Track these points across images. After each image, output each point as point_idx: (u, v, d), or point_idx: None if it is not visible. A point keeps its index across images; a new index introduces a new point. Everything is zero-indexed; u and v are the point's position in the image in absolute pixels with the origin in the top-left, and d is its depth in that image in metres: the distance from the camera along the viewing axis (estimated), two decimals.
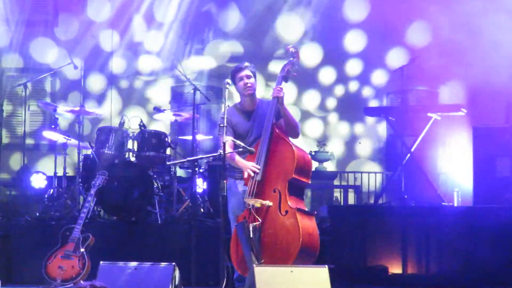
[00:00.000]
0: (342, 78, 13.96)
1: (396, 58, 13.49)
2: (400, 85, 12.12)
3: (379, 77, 13.80)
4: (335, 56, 13.82)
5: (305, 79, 13.07)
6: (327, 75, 14.19)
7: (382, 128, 13.61)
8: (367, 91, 13.93)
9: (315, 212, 7.33)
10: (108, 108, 13.32)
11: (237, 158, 7.48)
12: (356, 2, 13.81)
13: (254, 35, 14.03)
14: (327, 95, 14.24)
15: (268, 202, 7.16)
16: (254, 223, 7.09)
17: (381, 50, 13.54)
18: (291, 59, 7.68)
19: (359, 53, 13.91)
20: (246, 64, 7.73)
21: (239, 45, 14.12)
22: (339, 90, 14.03)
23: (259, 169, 7.28)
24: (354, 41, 13.81)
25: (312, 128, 14.25)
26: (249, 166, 7.32)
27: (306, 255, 6.98)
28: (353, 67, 14.00)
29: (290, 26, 14.02)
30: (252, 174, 7.27)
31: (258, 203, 7.15)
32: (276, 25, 14.07)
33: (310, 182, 7.49)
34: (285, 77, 7.63)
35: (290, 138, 7.45)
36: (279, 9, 14.02)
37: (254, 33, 13.99)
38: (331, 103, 14.26)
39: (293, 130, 7.56)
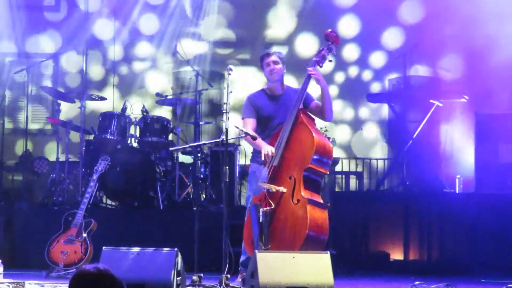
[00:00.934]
0: (341, 64, 13.91)
1: (392, 37, 13.44)
2: (402, 70, 12.13)
3: (377, 59, 13.74)
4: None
5: (304, 69, 13.00)
6: (325, 63, 14.06)
7: (385, 112, 13.56)
8: (367, 75, 13.88)
9: (329, 204, 7.24)
10: (110, 95, 13.28)
11: (256, 139, 7.43)
12: None
13: (246, 28, 13.95)
14: (328, 83, 14.13)
15: (282, 189, 7.13)
16: (266, 208, 7.08)
17: (376, 32, 13.47)
18: (329, 43, 7.58)
19: (355, 37, 13.83)
20: (274, 50, 7.76)
21: (231, 32, 14.06)
22: (340, 77, 13.98)
23: (273, 153, 7.26)
24: (348, 26, 13.71)
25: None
26: (265, 149, 7.30)
27: (312, 246, 6.94)
28: (351, 52, 13.93)
29: (282, 18, 13.93)
30: (267, 158, 7.25)
31: (272, 188, 7.15)
32: (268, 17, 13.99)
33: (328, 173, 7.44)
34: (319, 61, 7.52)
35: (319, 122, 7.44)
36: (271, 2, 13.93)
37: (246, 25, 13.91)
38: (333, 90, 14.22)
39: (329, 110, 7.54)
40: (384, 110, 13.36)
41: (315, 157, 7.14)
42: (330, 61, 7.60)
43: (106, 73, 13.85)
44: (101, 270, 3.38)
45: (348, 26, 13.67)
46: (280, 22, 13.91)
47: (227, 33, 13.99)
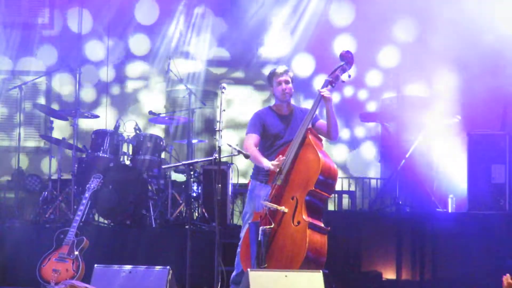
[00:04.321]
0: (337, 85, 13.90)
1: (387, 56, 13.44)
2: (396, 90, 12.16)
3: (373, 79, 13.74)
4: (326, 63, 13.72)
5: (300, 89, 13.00)
6: (321, 84, 14.01)
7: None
8: (363, 94, 13.88)
9: (329, 228, 7.20)
10: (103, 114, 13.27)
11: (256, 153, 7.42)
12: (341, 7, 13.72)
13: (240, 47, 13.94)
14: (324, 103, 14.08)
15: (283, 209, 7.08)
16: (266, 227, 7.03)
17: (371, 51, 13.47)
18: (342, 63, 7.49)
19: None
20: (286, 68, 7.65)
21: (225, 50, 14.06)
22: (335, 97, 13.96)
23: (280, 167, 7.19)
24: (344, 45, 13.70)
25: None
26: (269, 164, 7.25)
27: (310, 269, 6.88)
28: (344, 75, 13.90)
29: (277, 38, 13.93)
30: (276, 169, 7.19)
31: (274, 207, 7.09)
32: (263, 37, 14.00)
33: (331, 197, 7.37)
34: (332, 82, 7.43)
35: (325, 143, 7.41)
36: (267, 24, 13.92)
37: (240, 44, 13.90)
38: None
39: (335, 131, 7.47)
40: (379, 129, 13.36)
41: (319, 179, 7.08)
42: (343, 81, 7.51)
43: (99, 94, 13.83)
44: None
45: (344, 45, 13.67)
46: (275, 42, 13.90)
47: (221, 51, 13.99)
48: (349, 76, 7.51)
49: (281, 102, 7.66)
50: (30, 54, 13.67)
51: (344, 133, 13.88)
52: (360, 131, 13.92)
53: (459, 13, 11.71)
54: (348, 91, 13.88)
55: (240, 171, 11.58)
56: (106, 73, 13.77)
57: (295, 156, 7.24)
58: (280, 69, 7.66)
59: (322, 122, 7.57)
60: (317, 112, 7.52)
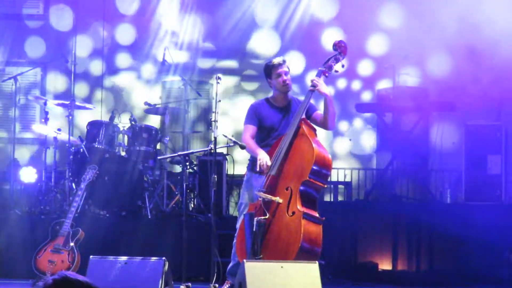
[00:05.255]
0: (330, 78, 13.85)
1: (376, 44, 13.38)
2: (391, 80, 12.14)
3: (365, 68, 13.69)
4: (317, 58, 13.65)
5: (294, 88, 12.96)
6: (332, 73, 13.88)
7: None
8: (356, 85, 13.84)
9: (324, 218, 7.17)
10: (98, 105, 13.24)
11: (252, 144, 7.39)
12: (325, 1, 13.66)
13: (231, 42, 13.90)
14: (319, 98, 14.05)
15: (278, 199, 7.04)
16: (261, 217, 6.99)
17: (360, 40, 13.40)
18: (336, 53, 7.44)
19: None
20: (283, 59, 7.60)
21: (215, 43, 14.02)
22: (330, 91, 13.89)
23: (268, 165, 7.17)
24: (332, 38, 13.59)
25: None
26: (261, 158, 7.20)
27: (304, 259, 6.84)
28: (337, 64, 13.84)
29: (265, 37, 13.87)
30: (261, 168, 7.16)
31: (268, 197, 7.07)
32: (251, 41, 13.95)
33: (326, 186, 7.32)
34: (325, 71, 7.38)
35: (320, 132, 7.37)
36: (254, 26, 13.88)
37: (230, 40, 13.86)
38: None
39: (332, 120, 7.39)
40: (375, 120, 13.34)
41: (314, 169, 7.03)
42: (336, 71, 7.46)
43: (92, 88, 13.78)
44: (83, 282, 3.33)
45: (332, 38, 13.55)
46: (264, 41, 13.83)
47: (212, 43, 13.94)
48: (343, 66, 7.47)
49: (280, 93, 7.61)
50: (22, 46, 13.62)
51: (343, 125, 13.85)
52: (357, 122, 13.88)
53: None
54: (342, 83, 13.84)
55: (236, 162, 11.57)
56: (99, 66, 13.73)
57: (289, 146, 7.20)
58: (278, 60, 7.60)
59: (319, 112, 7.53)
60: (312, 102, 7.49)
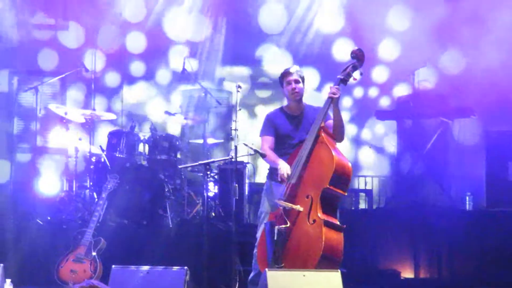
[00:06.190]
0: (346, 89, 13.83)
1: (387, 49, 13.33)
2: (410, 85, 12.12)
3: (379, 74, 13.65)
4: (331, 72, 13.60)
5: (312, 102, 12.93)
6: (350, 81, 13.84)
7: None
8: (373, 92, 13.81)
9: (344, 226, 7.15)
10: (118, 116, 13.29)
11: (271, 155, 7.39)
12: (330, 15, 13.62)
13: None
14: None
15: (298, 207, 7.03)
16: (281, 226, 6.99)
17: (371, 47, 13.34)
18: (354, 61, 7.41)
19: None
20: (296, 68, 7.61)
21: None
22: (347, 102, 13.88)
23: (289, 174, 7.19)
24: (342, 49, 13.56)
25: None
26: (282, 168, 7.21)
27: (326, 267, 6.85)
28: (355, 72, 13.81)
29: (275, 53, 13.88)
30: (283, 178, 7.17)
31: (289, 206, 7.06)
32: (261, 53, 13.98)
33: (346, 194, 7.30)
34: (344, 79, 7.36)
35: (336, 144, 7.31)
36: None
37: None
38: (344, 115, 14.12)
39: (341, 132, 7.39)
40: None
41: (334, 177, 7.02)
42: (355, 79, 7.42)
43: (110, 99, 13.82)
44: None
45: (342, 49, 13.56)
46: (273, 57, 13.84)
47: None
48: (361, 74, 7.43)
49: (291, 101, 7.63)
50: (45, 55, 13.69)
51: (363, 133, 13.81)
52: (378, 129, 13.84)
53: None
54: (358, 91, 13.82)
55: (256, 170, 11.58)
56: (116, 77, 13.79)
57: (308, 154, 7.20)
58: (291, 69, 7.62)
59: (331, 122, 7.51)
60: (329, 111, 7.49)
